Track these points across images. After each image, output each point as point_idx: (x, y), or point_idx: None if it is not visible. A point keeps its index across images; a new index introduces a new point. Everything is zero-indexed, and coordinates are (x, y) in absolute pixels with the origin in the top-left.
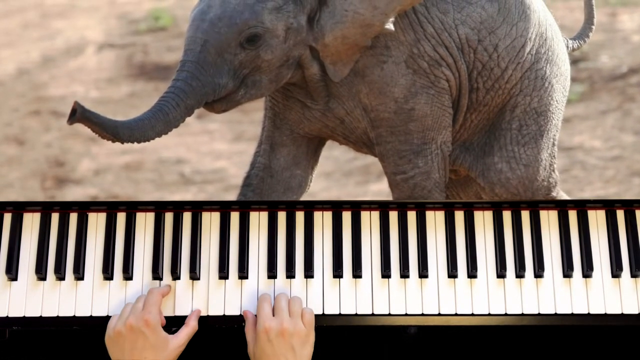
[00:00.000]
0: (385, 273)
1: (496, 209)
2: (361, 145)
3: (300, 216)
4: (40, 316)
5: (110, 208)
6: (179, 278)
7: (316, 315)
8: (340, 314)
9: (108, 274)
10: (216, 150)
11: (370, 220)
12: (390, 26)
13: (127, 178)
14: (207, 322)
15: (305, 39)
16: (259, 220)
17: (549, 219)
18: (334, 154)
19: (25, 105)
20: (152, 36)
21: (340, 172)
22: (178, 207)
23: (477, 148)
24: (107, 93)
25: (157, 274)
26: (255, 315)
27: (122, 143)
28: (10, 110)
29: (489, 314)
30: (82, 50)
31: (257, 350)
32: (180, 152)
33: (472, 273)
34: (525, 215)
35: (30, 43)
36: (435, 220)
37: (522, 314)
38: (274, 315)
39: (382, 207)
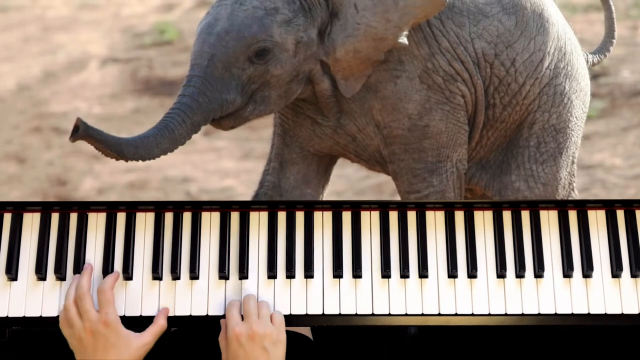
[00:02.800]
0: (385, 273)
1: (496, 209)
2: (374, 163)
3: (300, 216)
4: (40, 316)
5: (110, 208)
6: (178, 278)
7: (316, 316)
8: (340, 314)
9: (108, 274)
10: (223, 168)
11: (370, 220)
12: (403, 40)
13: (131, 197)
14: (207, 322)
15: (316, 53)
16: (259, 220)
17: (549, 219)
18: (345, 172)
19: (25, 122)
20: (157, 50)
21: (352, 191)
22: (178, 207)
23: (494, 166)
24: (111, 109)
25: (157, 274)
26: None
27: (126, 161)
28: (11, 127)
29: (489, 314)
30: (84, 65)
31: (229, 356)
32: (187, 170)
33: (472, 273)
34: (525, 215)
35: (31, 58)
36: (435, 220)
37: (522, 314)
38: (243, 320)
39: (382, 207)
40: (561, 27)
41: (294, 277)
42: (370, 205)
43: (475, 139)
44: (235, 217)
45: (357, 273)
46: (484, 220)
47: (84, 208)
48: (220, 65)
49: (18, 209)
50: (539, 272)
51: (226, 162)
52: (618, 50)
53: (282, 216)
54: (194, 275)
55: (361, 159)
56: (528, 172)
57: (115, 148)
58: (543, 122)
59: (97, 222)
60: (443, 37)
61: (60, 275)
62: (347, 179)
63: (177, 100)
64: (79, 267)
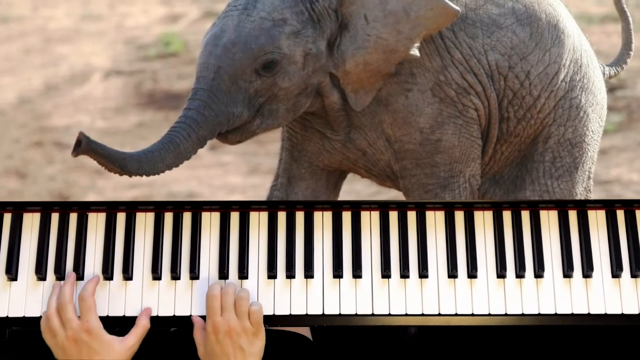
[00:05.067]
0: (385, 273)
1: (496, 209)
2: (384, 179)
3: (300, 216)
4: (40, 316)
5: (110, 208)
6: (178, 278)
7: (316, 316)
8: (340, 314)
9: (108, 274)
10: (230, 183)
11: (370, 220)
12: (415, 52)
13: None
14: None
15: (325, 65)
16: (259, 220)
17: (549, 219)
18: (355, 188)
19: (27, 136)
20: (162, 62)
21: None
22: (178, 207)
23: (508, 181)
24: (114, 123)
25: (157, 274)
26: (203, 320)
27: (130, 176)
28: (11, 142)
29: (489, 314)
30: (87, 77)
31: (206, 351)
32: (192, 185)
33: (472, 273)
34: (525, 215)
35: (33, 70)
36: (435, 220)
37: (522, 314)
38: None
39: (382, 207)
40: (577, 38)
41: (294, 277)
42: (370, 205)
43: (488, 153)
44: (235, 217)
45: (357, 273)
46: (484, 220)
47: (84, 208)
48: (227, 77)
49: (18, 209)
50: (539, 272)
51: (233, 178)
52: (635, 62)
53: (282, 216)
54: (194, 275)
55: (371, 174)
56: (543, 187)
57: (119, 163)
58: (558, 136)
59: (97, 222)
60: (456, 49)
61: (60, 275)
62: (357, 195)
63: (182, 114)
64: (78, 267)
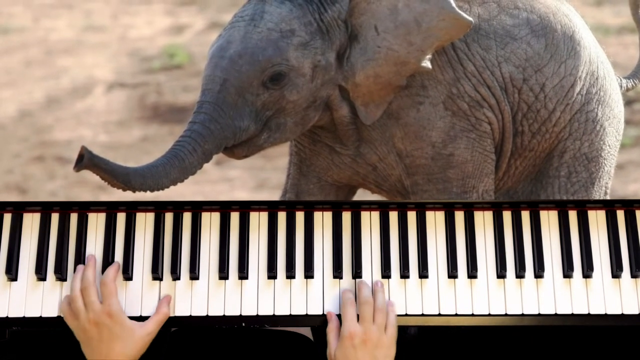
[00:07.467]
0: (385, 273)
1: (496, 209)
2: (395, 194)
3: (300, 216)
4: (40, 316)
5: (110, 208)
6: (178, 278)
7: (316, 316)
8: (340, 314)
9: None
10: (237, 199)
11: (370, 220)
12: (427, 64)
13: None
14: (207, 322)
15: (334, 77)
16: (259, 220)
17: (549, 219)
18: None
19: (28, 150)
20: (166, 75)
21: None
22: (178, 207)
23: (522, 197)
24: (118, 137)
25: (156, 274)
26: (339, 317)
27: (134, 192)
28: (12, 156)
29: (489, 314)
30: (90, 90)
31: (338, 354)
32: None
33: (472, 273)
34: (525, 215)
35: (34, 82)
36: (435, 220)
37: (522, 314)
38: (358, 321)
39: (382, 207)
40: (593, 50)
41: (294, 277)
42: (370, 205)
43: (502, 168)
44: (235, 217)
45: (357, 273)
46: (484, 220)
47: (84, 208)
48: (233, 90)
49: (18, 209)
50: (539, 272)
51: (239, 193)
52: None
53: (282, 216)
54: (194, 275)
55: (382, 190)
56: None
57: (122, 178)
58: (574, 150)
59: (97, 222)
60: (468, 60)
61: (61, 275)
62: None
63: (187, 128)
64: None
